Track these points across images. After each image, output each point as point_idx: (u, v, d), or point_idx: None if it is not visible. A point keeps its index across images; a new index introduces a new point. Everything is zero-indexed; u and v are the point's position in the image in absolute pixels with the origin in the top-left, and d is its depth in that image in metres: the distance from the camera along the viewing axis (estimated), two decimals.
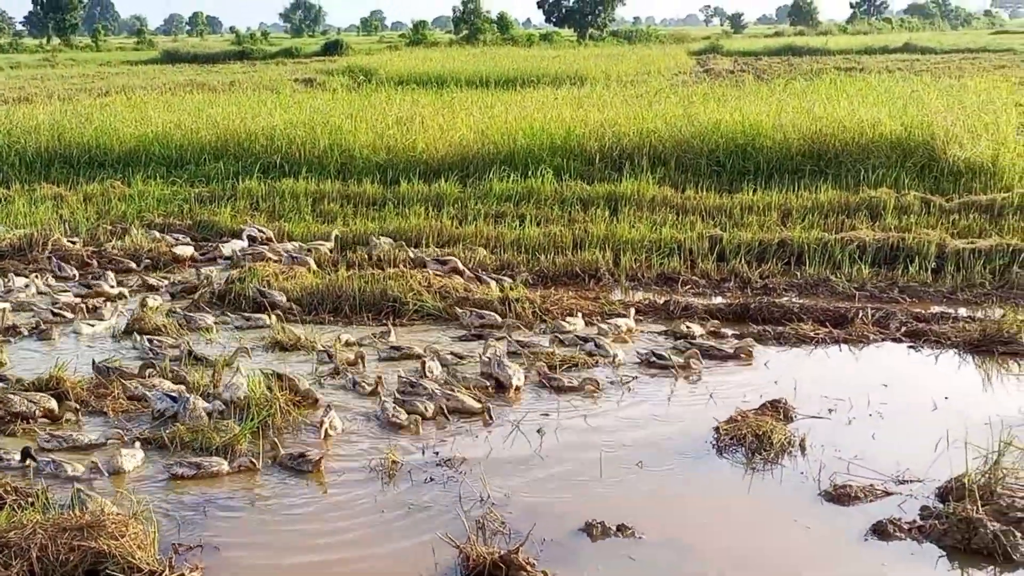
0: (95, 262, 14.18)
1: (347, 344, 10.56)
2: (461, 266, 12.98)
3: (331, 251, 14.13)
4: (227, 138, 21.01)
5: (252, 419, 8.29)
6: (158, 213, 16.81)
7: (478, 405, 8.72)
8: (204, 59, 67.91)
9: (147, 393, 8.87)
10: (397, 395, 8.89)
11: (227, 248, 14.44)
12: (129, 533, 6.29)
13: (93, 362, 9.76)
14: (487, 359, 9.54)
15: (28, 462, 7.68)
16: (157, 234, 15.39)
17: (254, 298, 11.98)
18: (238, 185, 18.23)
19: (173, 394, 8.81)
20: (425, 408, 8.60)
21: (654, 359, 9.85)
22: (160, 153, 20.79)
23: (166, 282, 13.18)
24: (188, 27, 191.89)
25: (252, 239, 14.87)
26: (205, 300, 12.25)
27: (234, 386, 8.86)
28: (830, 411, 8.68)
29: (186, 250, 14.44)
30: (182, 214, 16.80)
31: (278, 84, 37.08)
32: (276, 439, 8.15)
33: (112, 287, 12.81)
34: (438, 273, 12.51)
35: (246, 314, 11.58)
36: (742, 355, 9.99)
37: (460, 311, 11.39)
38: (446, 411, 8.62)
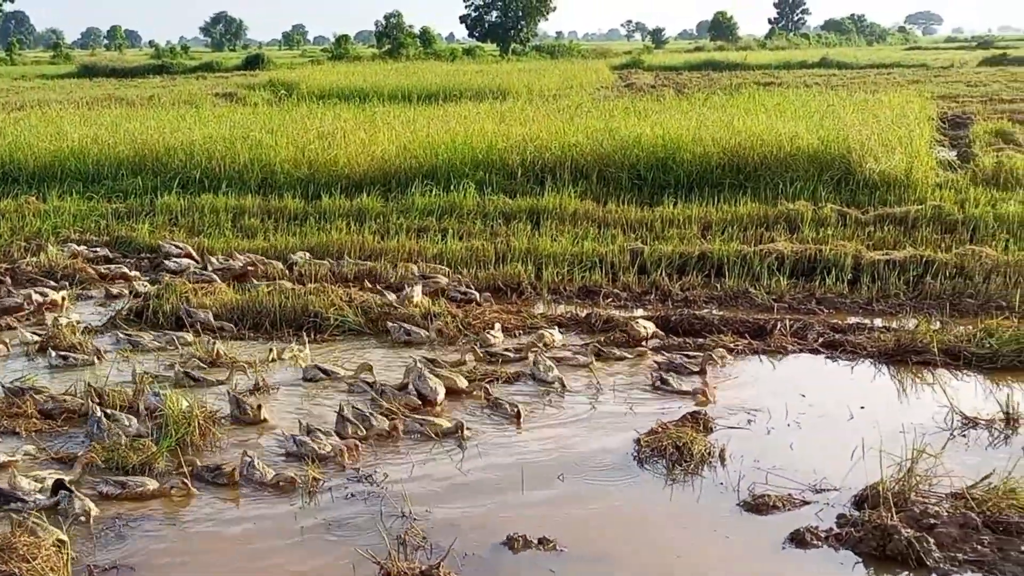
0: (8, 279, 13.87)
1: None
2: (444, 283, 13.00)
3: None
4: (145, 153, 20.72)
5: (170, 437, 8.18)
6: (74, 229, 16.53)
7: (449, 424, 8.65)
8: (122, 73, 66.99)
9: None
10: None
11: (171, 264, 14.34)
12: (41, 555, 6.16)
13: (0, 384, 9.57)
14: (411, 374, 9.50)
15: None
16: (77, 247, 15.17)
17: (175, 314, 11.83)
18: (156, 200, 18.01)
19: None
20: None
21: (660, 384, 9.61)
22: (76, 168, 20.44)
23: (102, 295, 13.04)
24: (106, 41, 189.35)
25: (168, 255, 14.69)
26: (122, 317, 12.06)
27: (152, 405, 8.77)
28: (749, 422, 8.77)
29: (118, 268, 14.24)
30: (99, 230, 16.53)
31: (198, 98, 36.68)
32: (193, 456, 8.05)
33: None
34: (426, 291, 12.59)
35: (167, 332, 11.42)
36: (700, 396, 9.46)
37: (391, 325, 11.34)
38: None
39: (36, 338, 11.19)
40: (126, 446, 8.08)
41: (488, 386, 9.50)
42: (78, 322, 11.79)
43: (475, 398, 9.39)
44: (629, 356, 10.48)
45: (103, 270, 14.19)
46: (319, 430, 8.39)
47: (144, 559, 6.62)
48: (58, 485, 7.32)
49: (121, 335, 11.31)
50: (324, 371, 10.00)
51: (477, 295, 12.63)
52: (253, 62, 73.01)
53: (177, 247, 14.93)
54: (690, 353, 10.39)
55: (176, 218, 17.08)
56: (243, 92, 42.41)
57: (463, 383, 9.53)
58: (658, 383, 9.56)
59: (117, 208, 17.85)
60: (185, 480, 7.48)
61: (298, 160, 19.64)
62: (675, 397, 9.29)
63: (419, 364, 9.71)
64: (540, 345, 10.62)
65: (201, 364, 10.32)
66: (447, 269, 13.65)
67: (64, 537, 6.58)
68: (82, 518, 7.02)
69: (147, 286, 13.18)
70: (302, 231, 15.87)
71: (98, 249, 15.33)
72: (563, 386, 9.55)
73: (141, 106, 32.48)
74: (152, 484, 7.48)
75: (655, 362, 10.29)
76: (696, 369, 9.90)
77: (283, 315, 11.75)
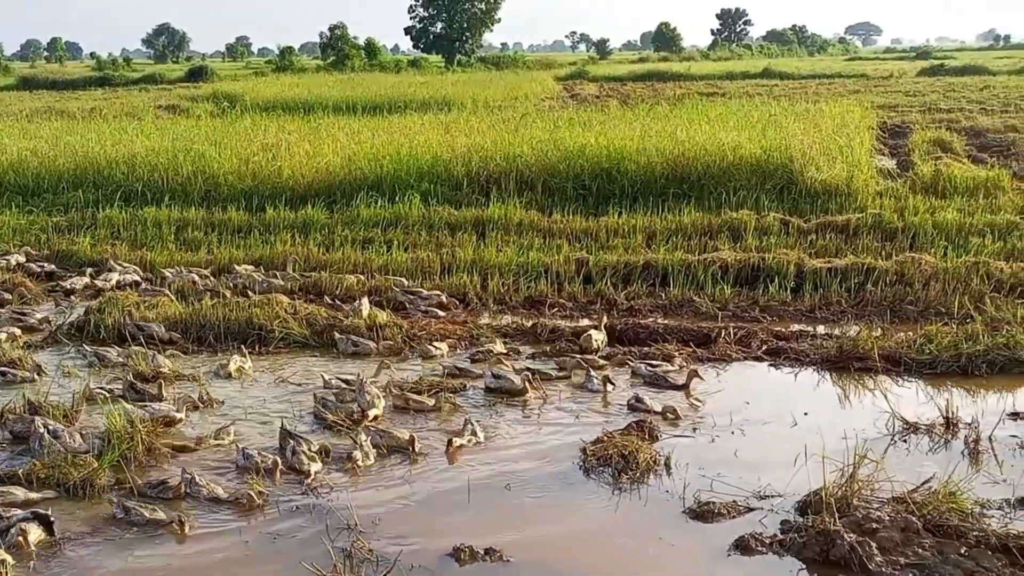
0: None
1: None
2: (445, 300, 12.90)
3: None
4: (87, 166, 20.51)
5: (113, 452, 8.08)
6: (14, 243, 16.30)
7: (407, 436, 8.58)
8: (63, 85, 66.14)
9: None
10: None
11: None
12: None
13: None
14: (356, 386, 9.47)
15: None
16: (20, 259, 15.01)
17: (118, 329, 11.69)
18: (98, 214, 17.81)
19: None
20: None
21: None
22: (16, 182, 20.18)
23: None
24: (47, 53, 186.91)
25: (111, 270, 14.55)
26: (63, 333, 11.91)
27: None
28: (694, 429, 8.82)
29: (78, 281, 14.10)
30: (39, 244, 16.33)
31: (141, 111, 36.33)
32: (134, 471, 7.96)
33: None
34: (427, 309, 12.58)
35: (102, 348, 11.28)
36: (669, 414, 9.30)
37: (339, 337, 11.29)
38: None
39: None
40: (67, 462, 7.97)
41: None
42: (18, 337, 11.63)
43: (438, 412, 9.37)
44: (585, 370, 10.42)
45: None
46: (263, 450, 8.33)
47: None
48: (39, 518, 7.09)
49: (88, 348, 11.11)
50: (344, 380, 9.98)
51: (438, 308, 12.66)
52: (196, 74, 72.49)
53: (123, 266, 14.70)
54: (653, 363, 10.39)
55: (118, 231, 16.90)
56: (186, 104, 42.10)
57: (430, 402, 9.49)
58: (633, 401, 9.37)
59: (58, 222, 17.64)
60: (183, 518, 7.20)
61: (242, 172, 19.52)
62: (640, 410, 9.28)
63: (362, 376, 9.65)
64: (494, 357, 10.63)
65: (145, 379, 10.20)
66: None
67: (7, 557, 6.51)
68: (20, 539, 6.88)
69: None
70: (246, 243, 15.77)
71: (44, 264, 15.12)
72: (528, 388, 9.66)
73: (82, 119, 32.11)
74: (156, 514, 7.24)
75: (632, 372, 10.25)
76: (678, 383, 9.84)
77: (227, 328, 11.66)
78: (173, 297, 12.86)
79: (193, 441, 8.58)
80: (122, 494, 7.58)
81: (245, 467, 8.00)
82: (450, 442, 8.37)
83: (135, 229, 16.88)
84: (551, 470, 8.04)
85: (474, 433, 8.52)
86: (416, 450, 8.36)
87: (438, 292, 13.07)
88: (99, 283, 13.95)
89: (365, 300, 12.41)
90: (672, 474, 7.91)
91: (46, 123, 29.04)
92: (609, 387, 9.74)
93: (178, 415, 8.95)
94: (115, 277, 14.02)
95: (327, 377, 9.96)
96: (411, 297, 12.91)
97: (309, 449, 8.20)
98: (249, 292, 13.03)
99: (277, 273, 13.99)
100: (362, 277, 13.69)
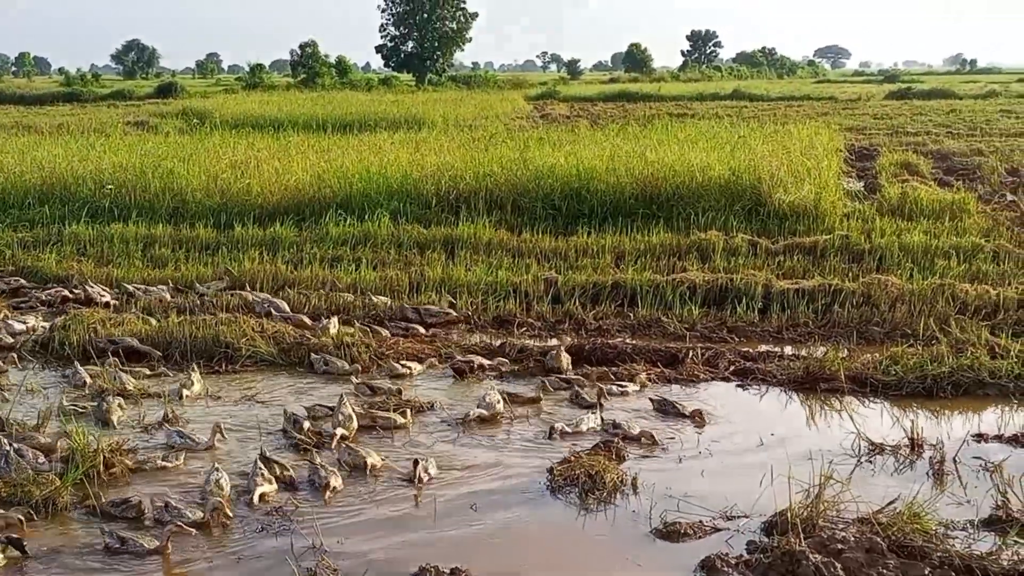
0: None
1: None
2: (456, 316, 12.91)
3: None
4: (53, 182, 20.37)
5: (76, 470, 8.01)
6: None
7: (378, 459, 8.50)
8: (31, 100, 65.83)
9: None
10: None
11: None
12: None
13: None
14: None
15: None
16: None
17: (83, 346, 11.59)
18: (64, 230, 17.68)
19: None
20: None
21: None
22: None
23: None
24: (14, 68, 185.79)
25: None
26: (28, 349, 11.80)
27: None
28: (662, 450, 8.83)
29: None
30: (4, 260, 16.18)
31: (109, 127, 36.04)
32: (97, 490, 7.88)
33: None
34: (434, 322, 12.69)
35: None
36: (696, 417, 9.49)
37: (314, 356, 11.24)
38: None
39: None
40: (30, 480, 7.89)
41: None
42: None
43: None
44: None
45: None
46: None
47: None
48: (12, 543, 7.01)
49: (79, 367, 10.92)
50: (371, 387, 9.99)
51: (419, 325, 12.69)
52: (166, 90, 72.23)
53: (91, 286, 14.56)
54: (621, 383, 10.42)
55: (84, 247, 16.78)
56: (155, 121, 41.91)
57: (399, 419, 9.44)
58: (610, 427, 9.21)
59: (23, 237, 17.48)
60: (180, 524, 7.14)
61: (210, 189, 19.43)
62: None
63: (343, 395, 9.58)
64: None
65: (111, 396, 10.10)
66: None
67: None
68: None
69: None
70: (214, 261, 15.68)
71: (10, 280, 14.98)
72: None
73: (50, 134, 31.83)
74: (152, 543, 7.09)
75: (649, 399, 10.02)
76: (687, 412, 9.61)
77: (194, 345, 11.59)
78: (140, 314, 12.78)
79: (154, 461, 8.51)
80: (109, 523, 7.39)
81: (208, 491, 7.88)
82: (415, 463, 8.30)
83: (101, 245, 16.77)
84: (518, 489, 8.02)
85: (426, 470, 8.27)
86: (379, 470, 8.30)
87: (449, 310, 13.09)
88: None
89: (334, 319, 12.37)
90: (639, 494, 7.91)
91: (12, 138, 28.84)
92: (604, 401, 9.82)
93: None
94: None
95: (289, 411, 9.58)
96: (418, 315, 12.92)
97: (268, 472, 8.13)
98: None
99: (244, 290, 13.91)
100: (354, 297, 13.65)
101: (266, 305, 13.03)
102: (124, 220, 18.19)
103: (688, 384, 10.62)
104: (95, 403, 9.78)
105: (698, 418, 9.50)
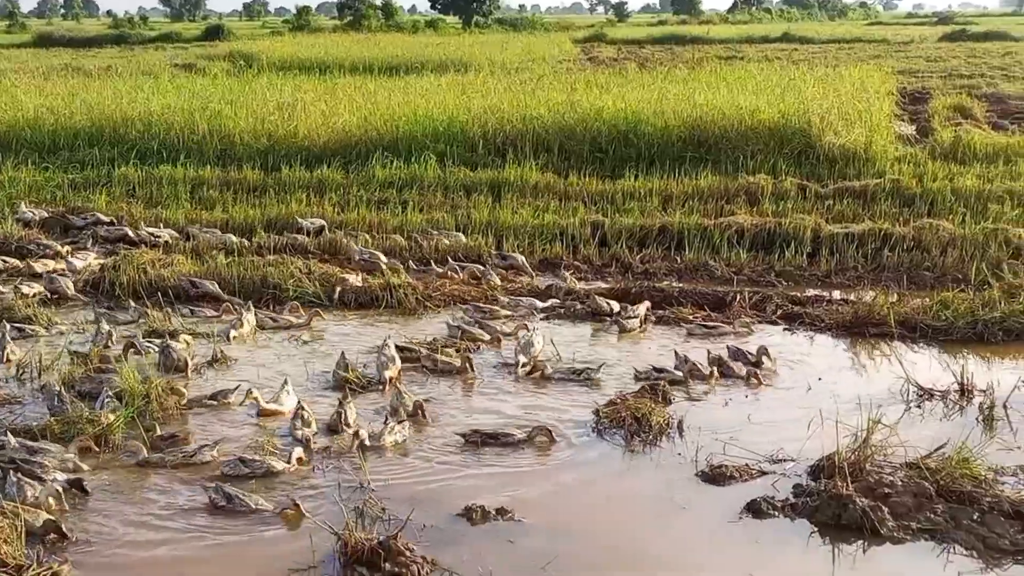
0: None
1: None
2: (522, 262, 12.79)
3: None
4: (103, 124, 20.41)
5: (127, 408, 8.12)
6: (30, 200, 16.28)
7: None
8: (80, 43, 65.88)
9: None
10: None
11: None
12: None
13: None
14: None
15: None
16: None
17: (132, 286, 11.72)
18: (114, 172, 17.77)
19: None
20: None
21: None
22: (32, 139, 20.09)
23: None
24: (63, 10, 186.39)
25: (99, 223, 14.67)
26: (78, 290, 11.92)
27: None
28: (706, 393, 8.81)
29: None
30: (55, 201, 16.32)
31: (157, 69, 36.13)
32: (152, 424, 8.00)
33: None
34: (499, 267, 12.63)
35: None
36: (753, 379, 9.16)
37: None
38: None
39: None
40: (84, 420, 8.00)
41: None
42: (36, 294, 11.63)
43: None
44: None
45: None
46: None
47: (100, 534, 6.60)
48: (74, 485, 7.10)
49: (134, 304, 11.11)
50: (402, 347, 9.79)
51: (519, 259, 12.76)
52: (213, 33, 72.25)
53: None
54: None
55: (134, 189, 16.88)
56: (203, 63, 41.85)
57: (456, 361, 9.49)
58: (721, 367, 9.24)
59: (74, 179, 17.60)
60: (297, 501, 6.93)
61: (257, 131, 19.45)
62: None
63: (389, 339, 9.62)
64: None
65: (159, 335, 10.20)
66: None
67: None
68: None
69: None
70: (261, 203, 15.73)
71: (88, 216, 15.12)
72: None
73: (98, 76, 32.00)
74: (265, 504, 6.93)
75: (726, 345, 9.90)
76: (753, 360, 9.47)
77: (241, 286, 11.68)
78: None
79: (205, 398, 8.62)
80: (217, 477, 7.33)
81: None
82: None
83: (150, 187, 16.85)
84: (564, 431, 8.03)
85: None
86: (426, 414, 8.33)
87: (517, 255, 13.03)
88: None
89: (382, 256, 12.45)
90: (685, 437, 7.91)
91: (62, 81, 28.91)
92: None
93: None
94: None
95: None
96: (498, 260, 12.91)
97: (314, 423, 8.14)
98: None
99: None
100: (461, 237, 13.67)
101: (367, 255, 12.98)
102: (172, 162, 18.26)
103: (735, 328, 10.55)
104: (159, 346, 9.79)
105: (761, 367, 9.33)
